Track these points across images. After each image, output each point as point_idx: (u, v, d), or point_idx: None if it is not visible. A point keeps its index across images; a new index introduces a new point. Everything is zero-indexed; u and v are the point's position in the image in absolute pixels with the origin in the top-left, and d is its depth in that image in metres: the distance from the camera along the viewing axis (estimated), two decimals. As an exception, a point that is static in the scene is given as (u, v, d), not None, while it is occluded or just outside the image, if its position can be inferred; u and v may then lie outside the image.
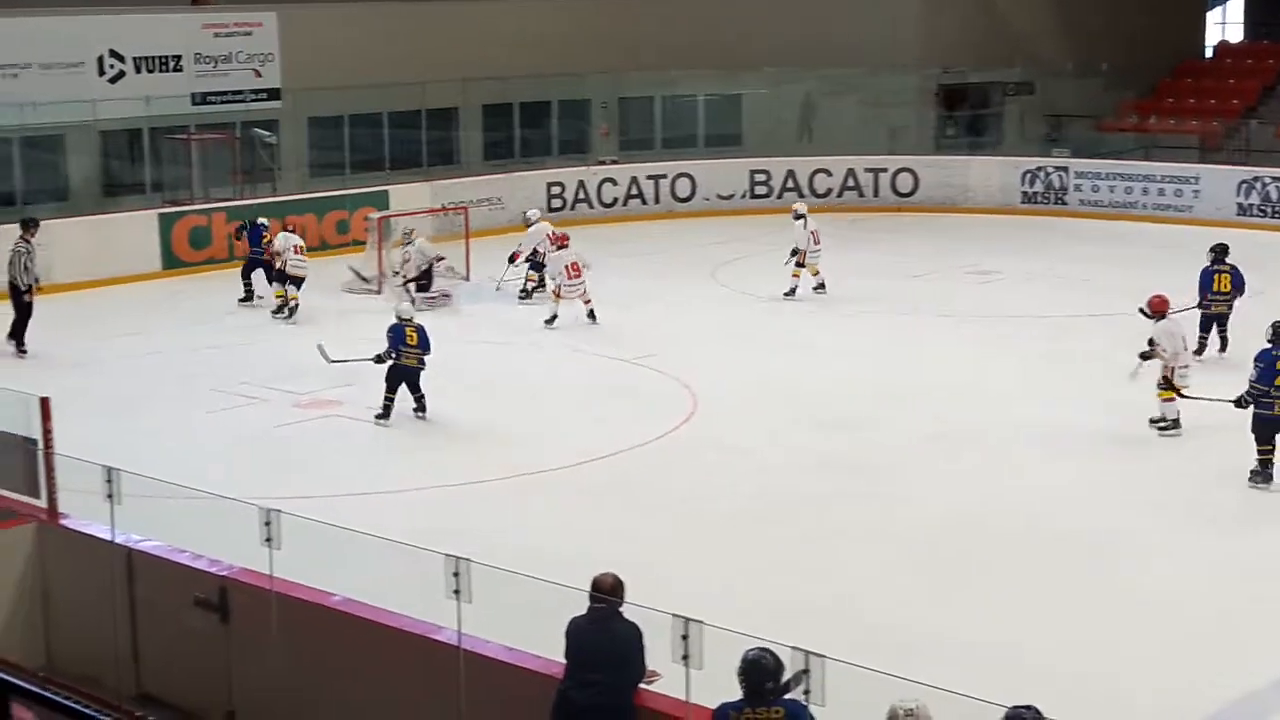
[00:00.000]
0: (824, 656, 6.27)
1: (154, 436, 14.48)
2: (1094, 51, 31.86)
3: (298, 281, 19.94)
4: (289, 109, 26.93)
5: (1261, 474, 12.58)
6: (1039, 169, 29.08)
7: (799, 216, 20.94)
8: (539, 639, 7.42)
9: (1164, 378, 14.01)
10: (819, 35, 30.73)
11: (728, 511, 12.33)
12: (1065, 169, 28.75)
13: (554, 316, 19.26)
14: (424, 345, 15.00)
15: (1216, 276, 16.68)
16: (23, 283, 18.22)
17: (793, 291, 20.82)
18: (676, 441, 14.39)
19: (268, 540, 7.77)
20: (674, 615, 6.44)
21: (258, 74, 26.44)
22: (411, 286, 20.65)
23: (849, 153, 29.93)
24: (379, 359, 14.99)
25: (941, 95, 32.74)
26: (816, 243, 20.85)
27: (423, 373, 14.98)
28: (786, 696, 6.46)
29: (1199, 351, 16.19)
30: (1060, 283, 21.97)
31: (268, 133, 26.71)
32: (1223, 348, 16.81)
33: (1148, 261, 23.25)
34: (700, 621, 6.44)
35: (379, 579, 7.91)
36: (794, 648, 6.30)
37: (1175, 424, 13.94)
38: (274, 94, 26.69)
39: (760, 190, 29.18)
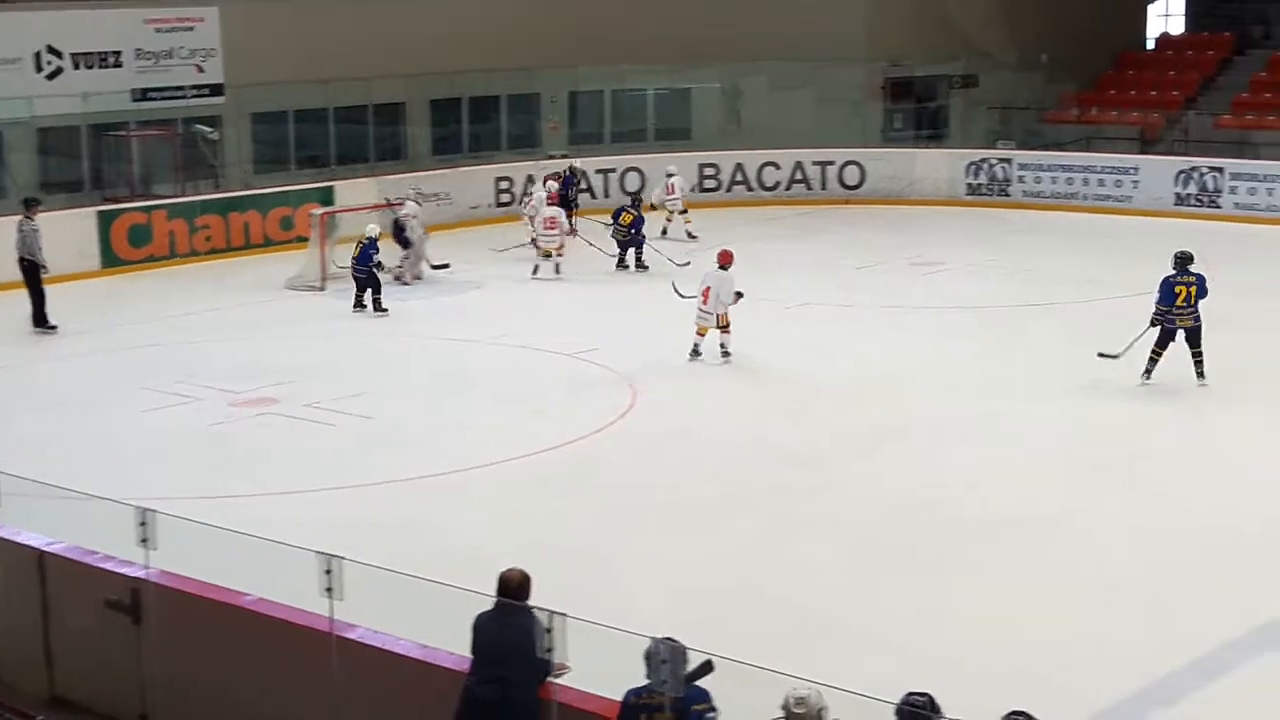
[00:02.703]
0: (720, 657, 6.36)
1: (88, 436, 14.43)
2: (1037, 44, 32.07)
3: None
4: (232, 105, 26.79)
5: (1148, 373, 14.91)
6: (983, 161, 29.32)
7: (670, 175, 25.12)
8: (452, 638, 7.43)
9: None
10: (768, 30, 30.78)
11: (671, 503, 12.35)
12: (1009, 161, 29.00)
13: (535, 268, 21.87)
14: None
15: (1179, 289, 15.14)
16: (41, 260, 18.58)
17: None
18: (620, 434, 14.42)
19: (143, 541, 7.83)
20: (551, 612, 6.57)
21: (200, 69, 26.29)
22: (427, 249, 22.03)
23: (797, 146, 30.12)
24: None
25: (888, 88, 32.92)
26: (670, 192, 24.89)
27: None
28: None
29: (1149, 372, 15.24)
30: (1004, 273, 22.14)
31: (210, 129, 26.60)
32: (1199, 371, 15.26)
33: (1088, 252, 23.49)
34: (565, 615, 6.61)
35: (285, 580, 7.91)
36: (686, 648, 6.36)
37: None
38: (216, 90, 26.54)
39: (709, 184, 29.25)
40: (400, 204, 22.49)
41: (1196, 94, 32.05)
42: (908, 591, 10.38)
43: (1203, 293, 15.17)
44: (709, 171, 29.39)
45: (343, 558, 7.16)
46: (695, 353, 16.82)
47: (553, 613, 6.64)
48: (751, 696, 6.26)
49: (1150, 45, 36.21)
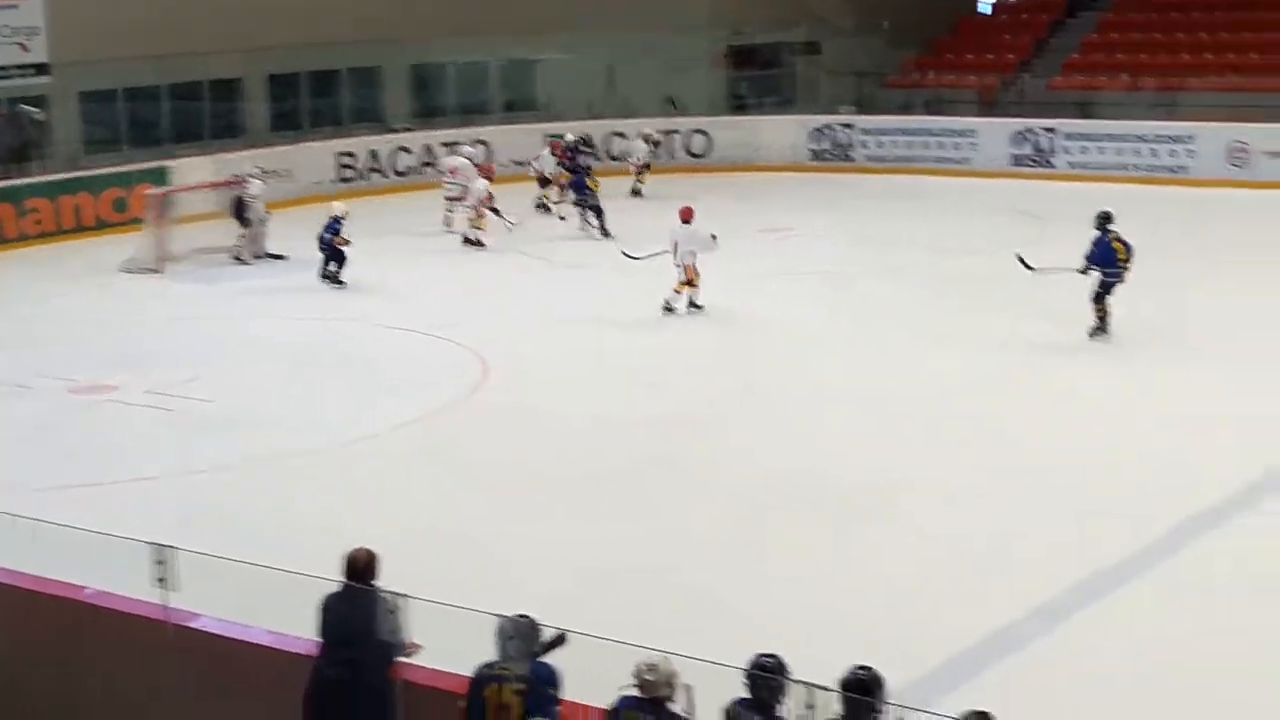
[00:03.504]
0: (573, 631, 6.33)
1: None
2: (877, 10, 32.42)
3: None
4: (59, 84, 25.93)
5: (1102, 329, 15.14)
6: (826, 127, 29.62)
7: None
8: (301, 621, 7.29)
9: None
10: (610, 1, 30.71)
11: (529, 480, 12.23)
12: (851, 126, 29.33)
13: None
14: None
15: (1116, 245, 15.57)
16: None
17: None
18: (482, 410, 14.31)
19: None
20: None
21: (24, 48, 25.41)
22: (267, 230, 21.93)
23: (644, 115, 30.12)
24: None
25: (731, 56, 33.06)
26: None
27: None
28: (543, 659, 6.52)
29: (1102, 327, 15.69)
30: (851, 237, 22.36)
31: (35, 109, 25.77)
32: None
33: (932, 213, 23.86)
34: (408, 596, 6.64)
35: (121, 572, 7.70)
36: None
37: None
38: (42, 69, 25.64)
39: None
40: (245, 182, 22.03)
41: (1031, 57, 32.69)
42: (774, 559, 10.43)
43: (1129, 247, 15.65)
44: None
45: (175, 547, 6.98)
46: (668, 308, 17.40)
47: (396, 594, 6.55)
48: (612, 669, 6.23)
49: (986, 9, 36.81)
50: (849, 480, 11.88)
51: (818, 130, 29.70)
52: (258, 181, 22.10)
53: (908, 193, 26.06)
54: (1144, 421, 13.12)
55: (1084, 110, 28.78)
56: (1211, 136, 26.07)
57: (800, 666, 6.11)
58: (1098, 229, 15.74)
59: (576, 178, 23.61)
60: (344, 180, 26.91)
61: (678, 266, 17.46)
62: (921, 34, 33.51)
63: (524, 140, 28.61)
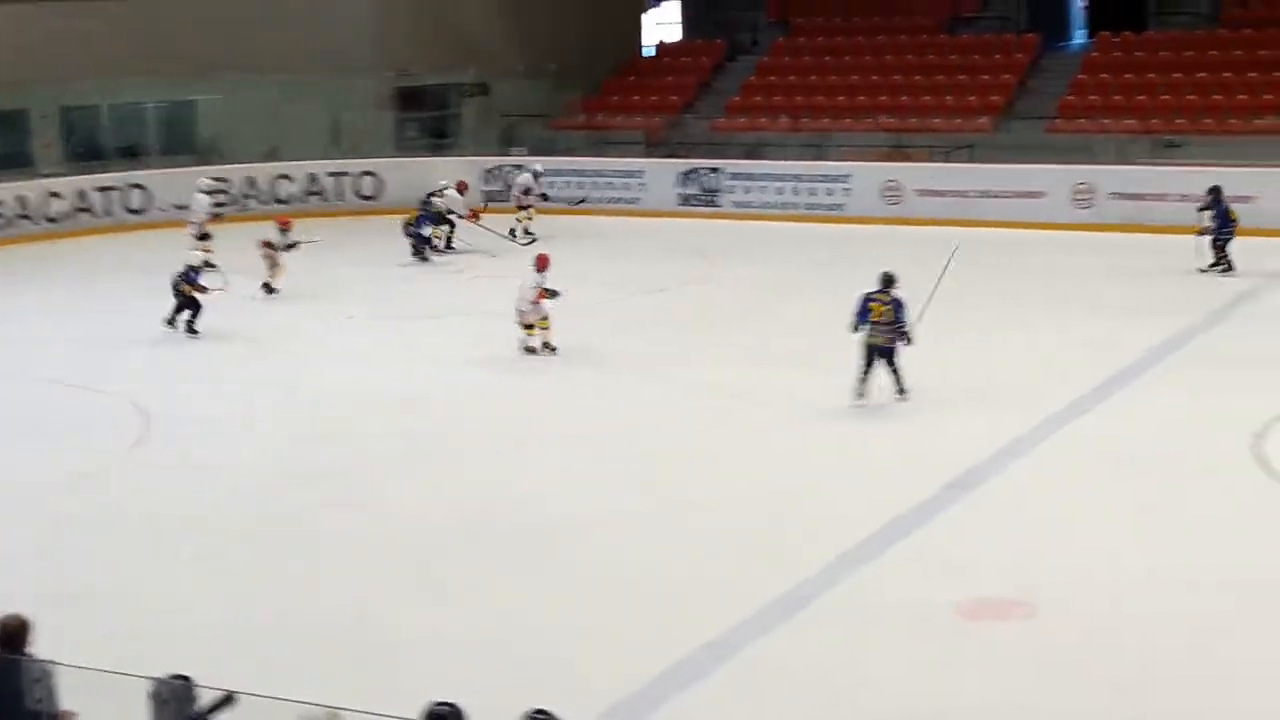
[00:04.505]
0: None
1: None
2: (542, 53, 32.80)
3: None
4: None
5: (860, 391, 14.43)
6: (498, 167, 29.77)
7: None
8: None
9: None
10: (274, 41, 30.11)
11: (202, 531, 11.79)
12: (521, 167, 29.49)
13: None
14: None
15: (872, 304, 14.50)
16: None
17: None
18: (145, 465, 13.73)
19: None
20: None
21: None
22: None
23: (310, 158, 29.69)
24: None
25: (398, 98, 32.92)
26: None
27: None
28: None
29: (862, 393, 14.50)
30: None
31: None
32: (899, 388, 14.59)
33: (607, 252, 24.19)
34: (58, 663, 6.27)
35: None
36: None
37: None
38: None
39: (219, 199, 28.29)
40: None
41: (694, 98, 33.61)
42: (450, 600, 10.32)
43: (900, 316, 14.50)
44: (219, 186, 28.45)
45: None
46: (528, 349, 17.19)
47: (46, 661, 6.20)
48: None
49: (650, 52, 37.67)
50: (522, 520, 11.86)
51: (489, 171, 29.84)
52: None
53: (581, 233, 26.34)
54: (816, 458, 13.44)
55: (748, 151, 29.76)
56: (866, 176, 27.29)
57: (479, 713, 6.04)
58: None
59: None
60: (-9, 228, 25.60)
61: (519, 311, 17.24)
62: (588, 76, 34.06)
63: (183, 183, 27.80)
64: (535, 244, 23.42)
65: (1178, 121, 28.36)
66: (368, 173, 29.68)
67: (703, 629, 9.56)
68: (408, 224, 24.04)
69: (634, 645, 9.49)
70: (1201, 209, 21.45)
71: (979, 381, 15.63)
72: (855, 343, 14.61)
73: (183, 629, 9.72)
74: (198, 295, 18.65)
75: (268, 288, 21.03)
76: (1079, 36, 36.06)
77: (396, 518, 12.05)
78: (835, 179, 27.54)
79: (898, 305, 14.37)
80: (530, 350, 17.17)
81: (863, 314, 14.44)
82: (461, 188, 25.48)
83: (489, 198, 28.40)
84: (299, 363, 17.41)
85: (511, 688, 7.59)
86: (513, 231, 25.60)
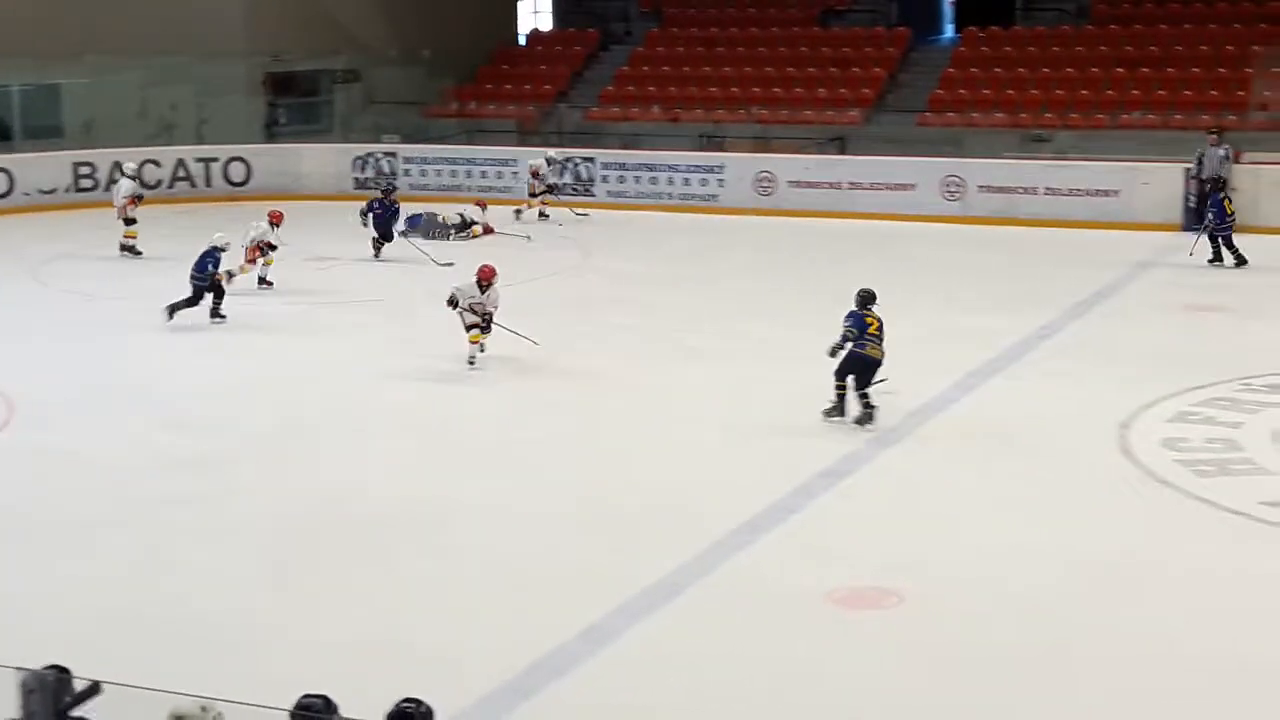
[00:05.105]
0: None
1: None
2: (416, 40, 32.59)
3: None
4: None
5: (837, 409, 13.66)
6: (369, 155, 29.53)
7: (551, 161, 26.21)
8: None
9: None
10: (142, 23, 29.54)
11: (57, 520, 11.49)
12: (394, 154, 29.34)
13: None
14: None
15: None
16: None
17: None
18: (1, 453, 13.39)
19: None
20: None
21: None
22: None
23: (178, 143, 29.16)
24: None
25: (269, 83, 32.46)
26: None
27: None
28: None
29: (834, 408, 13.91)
30: (400, 267, 22.24)
31: None
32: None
33: (473, 241, 24.04)
34: None
35: None
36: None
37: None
38: None
39: (85, 184, 27.80)
40: None
41: (568, 88, 33.57)
42: (314, 590, 10.18)
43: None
44: (84, 170, 27.89)
45: None
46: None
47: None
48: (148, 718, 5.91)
49: (523, 41, 37.56)
50: (386, 510, 11.74)
51: (360, 159, 29.57)
52: None
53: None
54: (691, 446, 13.44)
55: (614, 140, 29.79)
56: (740, 167, 27.45)
57: (349, 704, 5.96)
58: (1216, 190, 21.29)
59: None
60: None
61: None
62: (462, 64, 33.87)
63: (53, 167, 27.17)
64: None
65: (1045, 116, 28.96)
66: (237, 159, 29.22)
67: (577, 617, 9.52)
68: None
69: (507, 630, 9.44)
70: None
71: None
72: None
73: (39, 619, 9.49)
74: (222, 281, 18.16)
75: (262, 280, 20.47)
76: (949, 31, 36.64)
77: (259, 508, 11.87)
78: (709, 170, 27.66)
79: (881, 321, 13.90)
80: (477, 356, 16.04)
81: (863, 328, 13.63)
82: (481, 204, 25.33)
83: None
84: (160, 353, 17.05)
85: (382, 678, 7.50)
86: (518, 212, 25.90)
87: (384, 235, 22.80)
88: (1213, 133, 23.99)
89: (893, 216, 25.74)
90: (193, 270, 18.11)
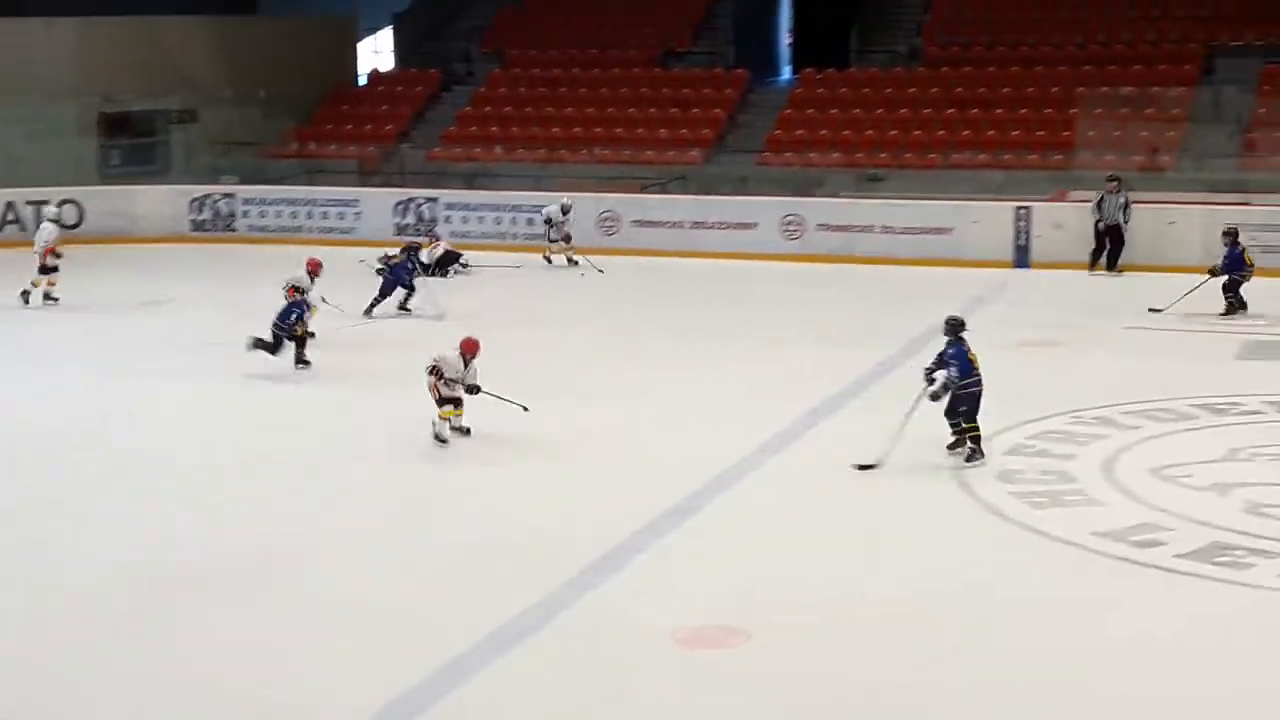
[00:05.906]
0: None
1: None
2: (253, 80, 32.20)
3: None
4: None
5: (979, 451, 13.65)
6: (207, 196, 29.08)
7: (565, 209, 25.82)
8: None
9: None
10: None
11: None
12: (232, 195, 28.96)
13: None
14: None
15: (972, 355, 13.40)
16: None
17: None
18: None
19: None
20: None
21: None
22: None
23: (7, 185, 28.43)
24: None
25: (103, 123, 31.84)
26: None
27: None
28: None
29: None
30: (237, 308, 21.86)
31: None
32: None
33: (320, 282, 23.74)
34: None
35: None
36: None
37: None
38: None
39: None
40: None
41: (409, 128, 33.43)
42: (136, 647, 9.95)
43: None
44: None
45: None
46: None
47: None
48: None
49: (363, 81, 37.31)
50: (235, 548, 11.56)
51: (197, 200, 29.11)
52: None
53: (293, 262, 25.77)
54: (534, 488, 13.42)
55: (466, 181, 29.73)
56: (583, 206, 27.49)
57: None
58: (1231, 242, 20.39)
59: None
60: None
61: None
62: (300, 104, 33.55)
63: None
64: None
65: (880, 156, 29.58)
66: (69, 200, 28.50)
67: (416, 662, 9.42)
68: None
69: (365, 670, 9.34)
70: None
71: (693, 409, 15.90)
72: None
73: None
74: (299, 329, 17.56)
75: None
76: (786, 73, 37.26)
77: (101, 552, 11.59)
78: (554, 209, 27.65)
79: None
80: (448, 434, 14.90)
81: (967, 366, 13.38)
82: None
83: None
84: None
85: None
86: (547, 257, 26.02)
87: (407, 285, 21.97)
88: (1112, 179, 24.61)
89: (735, 255, 26.04)
90: (275, 319, 17.55)
